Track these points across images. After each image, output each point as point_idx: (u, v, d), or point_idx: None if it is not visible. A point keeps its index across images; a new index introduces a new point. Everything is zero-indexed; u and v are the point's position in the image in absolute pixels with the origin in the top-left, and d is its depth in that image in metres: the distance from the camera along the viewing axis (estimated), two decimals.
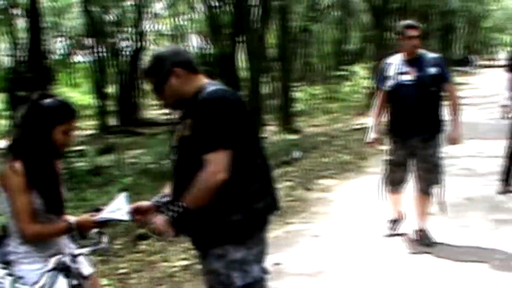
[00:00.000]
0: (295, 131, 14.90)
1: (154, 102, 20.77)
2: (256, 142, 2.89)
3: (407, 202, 5.75)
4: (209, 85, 2.82)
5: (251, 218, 2.80)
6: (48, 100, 2.85)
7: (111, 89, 23.91)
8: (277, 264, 5.01)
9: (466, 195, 7.13)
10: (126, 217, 2.88)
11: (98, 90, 23.01)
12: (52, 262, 2.83)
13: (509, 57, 7.65)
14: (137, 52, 23.74)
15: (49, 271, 2.81)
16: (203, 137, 2.64)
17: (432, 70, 5.35)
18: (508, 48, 74.08)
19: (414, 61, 5.41)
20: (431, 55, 5.54)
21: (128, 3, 22.95)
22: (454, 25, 45.44)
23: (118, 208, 2.89)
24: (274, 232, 5.87)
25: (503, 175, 7.24)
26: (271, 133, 14.50)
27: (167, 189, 2.98)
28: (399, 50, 5.54)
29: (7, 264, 2.82)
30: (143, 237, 5.79)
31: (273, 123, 16.00)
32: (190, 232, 2.88)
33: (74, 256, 2.96)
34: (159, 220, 2.71)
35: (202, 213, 2.68)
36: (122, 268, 5.26)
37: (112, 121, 22.70)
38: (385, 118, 5.64)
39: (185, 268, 5.18)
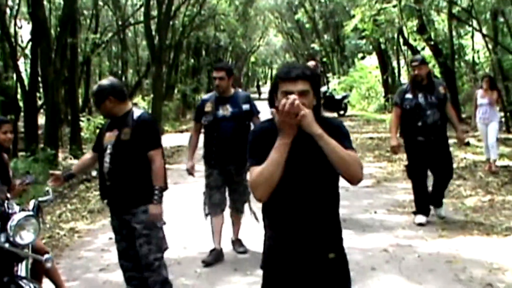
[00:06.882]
0: None
1: None
2: None
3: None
4: None
5: None
6: None
7: None
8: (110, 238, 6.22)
9: None
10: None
11: None
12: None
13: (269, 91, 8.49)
14: None
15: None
16: None
17: (245, 106, 6.03)
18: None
19: (228, 99, 6.02)
20: (243, 93, 6.32)
21: None
22: (224, 60, 48.75)
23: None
24: None
25: None
26: (63, 158, 15.46)
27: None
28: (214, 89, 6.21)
29: None
30: None
31: (63, 149, 17.00)
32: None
33: None
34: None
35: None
36: None
37: None
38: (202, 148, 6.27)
39: None
